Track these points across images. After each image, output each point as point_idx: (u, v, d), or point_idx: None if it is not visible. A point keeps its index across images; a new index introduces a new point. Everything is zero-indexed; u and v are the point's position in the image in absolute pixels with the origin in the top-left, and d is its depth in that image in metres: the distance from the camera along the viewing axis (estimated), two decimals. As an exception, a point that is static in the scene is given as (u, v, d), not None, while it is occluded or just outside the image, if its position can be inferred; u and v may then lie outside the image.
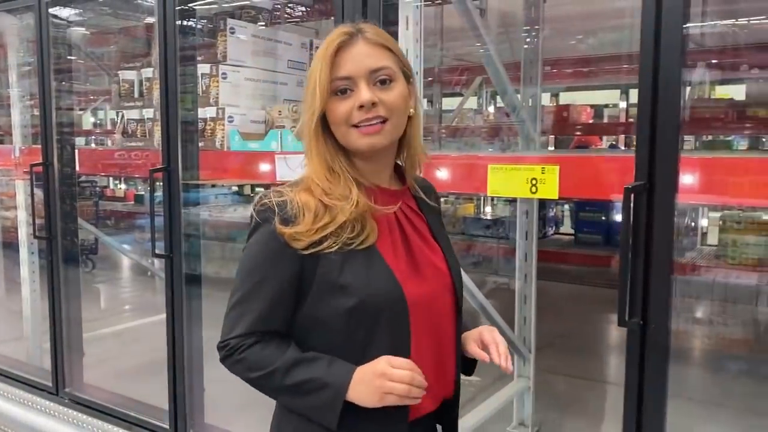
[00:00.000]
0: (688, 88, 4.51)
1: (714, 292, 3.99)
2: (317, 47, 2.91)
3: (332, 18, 2.17)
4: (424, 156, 1.29)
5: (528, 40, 3.26)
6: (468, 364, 1.35)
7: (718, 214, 4.10)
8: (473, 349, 1.28)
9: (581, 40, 4.63)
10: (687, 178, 1.59)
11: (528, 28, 4.16)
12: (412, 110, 1.23)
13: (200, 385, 2.66)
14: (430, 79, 5.33)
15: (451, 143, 4.34)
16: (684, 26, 1.48)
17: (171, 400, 2.62)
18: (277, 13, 4.60)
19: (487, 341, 1.26)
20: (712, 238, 4.49)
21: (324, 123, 1.20)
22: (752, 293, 3.70)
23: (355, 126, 1.16)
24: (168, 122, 2.53)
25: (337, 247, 1.14)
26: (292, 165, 2.29)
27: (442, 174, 1.98)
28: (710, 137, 4.95)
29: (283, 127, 2.51)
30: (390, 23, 2.00)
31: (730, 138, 5.44)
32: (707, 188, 1.57)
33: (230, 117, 2.56)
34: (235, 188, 5.86)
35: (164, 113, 2.53)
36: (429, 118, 5.36)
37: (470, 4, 2.36)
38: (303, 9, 4.74)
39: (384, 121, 1.17)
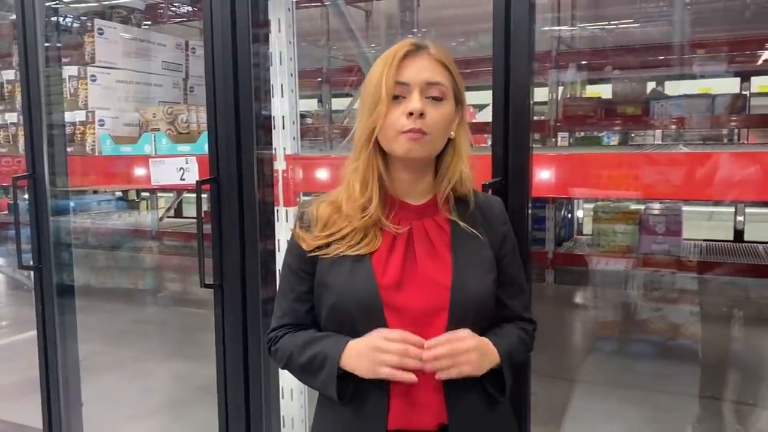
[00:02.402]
0: (561, 88, 4.80)
1: (588, 279, 4.27)
2: (194, 48, 2.88)
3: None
4: (460, 184, 1.30)
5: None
6: (496, 385, 1.28)
7: (591, 206, 4.38)
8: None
9: (462, 42, 4.80)
10: (544, 174, 1.71)
11: (416, 30, 4.27)
12: (452, 133, 1.28)
13: (77, 401, 2.55)
14: (318, 79, 5.35)
15: (343, 144, 4.37)
16: (531, 31, 1.59)
17: (45, 419, 2.49)
18: (161, 11, 4.48)
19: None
20: (588, 228, 4.79)
21: None
22: (621, 278, 3.99)
23: (401, 132, 1.21)
24: (32, 127, 2.40)
25: (341, 251, 1.25)
26: (168, 168, 2.24)
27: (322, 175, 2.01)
28: (582, 134, 5.29)
29: (158, 129, 2.45)
30: (260, 25, 2.00)
31: (601, 134, 5.83)
32: (560, 182, 1.68)
33: (101, 120, 2.47)
34: (119, 194, 5.62)
35: (27, 118, 2.40)
36: (319, 118, 5.38)
37: (344, 7, 2.40)
38: (188, 8, 4.63)
39: (425, 134, 1.21)
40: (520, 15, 1.57)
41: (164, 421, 3.09)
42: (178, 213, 5.71)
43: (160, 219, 5.27)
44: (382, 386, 1.22)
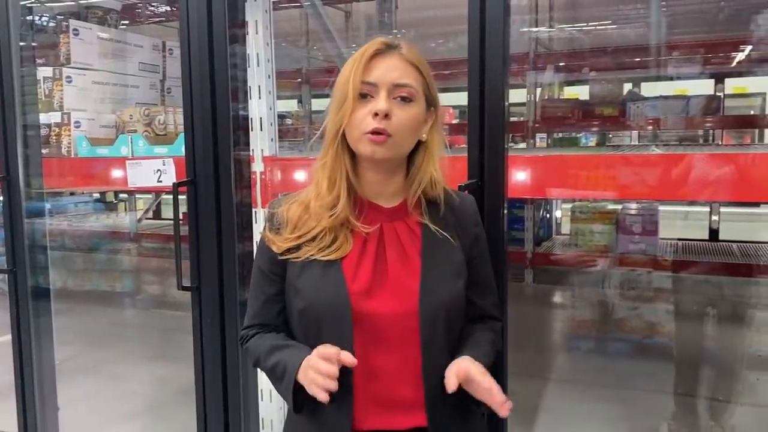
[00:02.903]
0: (539, 89, 4.84)
1: (566, 278, 4.32)
2: (171, 49, 2.86)
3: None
4: (431, 186, 1.29)
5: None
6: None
7: (570, 206, 4.42)
8: (452, 382, 1.17)
9: (442, 43, 4.81)
10: (520, 175, 1.73)
11: (395, 31, 4.27)
12: (424, 136, 1.27)
13: (53, 405, 2.52)
14: (298, 80, 5.34)
15: (311, 142, 4.35)
16: (505, 33, 1.60)
17: (20, 424, 2.46)
18: (139, 10, 4.43)
19: (475, 380, 1.18)
20: (566, 228, 4.83)
21: None
22: (598, 277, 4.03)
23: (365, 133, 1.20)
24: (5, 128, 2.38)
25: (311, 254, 1.24)
26: (145, 170, 2.23)
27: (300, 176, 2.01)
28: (561, 135, 5.34)
29: (135, 131, 2.43)
30: (237, 26, 1.99)
31: (579, 135, 5.89)
32: (536, 183, 1.70)
33: (77, 122, 2.45)
34: (96, 195, 5.57)
35: (0, 119, 2.38)
36: (299, 119, 5.38)
37: (321, 9, 2.40)
38: (166, 8, 4.59)
39: (389, 136, 1.20)
40: (495, 17, 1.59)
41: (143, 424, 3.07)
42: (157, 215, 5.66)
43: (139, 221, 5.22)
44: (347, 385, 1.21)
